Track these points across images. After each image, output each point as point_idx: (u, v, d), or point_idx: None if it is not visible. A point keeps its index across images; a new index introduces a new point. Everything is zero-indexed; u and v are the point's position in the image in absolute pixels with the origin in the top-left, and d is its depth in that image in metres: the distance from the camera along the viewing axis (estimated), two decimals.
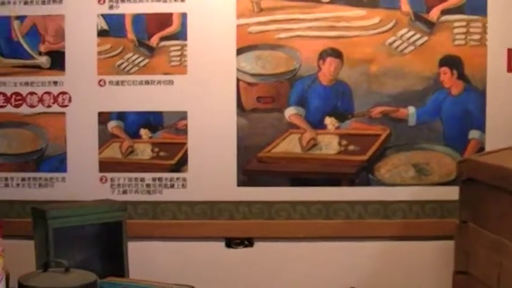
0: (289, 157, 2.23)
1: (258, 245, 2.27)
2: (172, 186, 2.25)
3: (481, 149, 2.19)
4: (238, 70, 2.22)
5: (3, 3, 2.29)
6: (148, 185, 2.26)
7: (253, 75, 2.22)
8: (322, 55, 2.20)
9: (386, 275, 2.24)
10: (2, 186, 2.29)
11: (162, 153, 2.25)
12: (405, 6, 2.19)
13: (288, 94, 2.21)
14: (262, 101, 2.22)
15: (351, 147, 2.21)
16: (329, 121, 2.21)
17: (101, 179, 2.26)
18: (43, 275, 1.75)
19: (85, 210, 2.04)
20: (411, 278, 2.22)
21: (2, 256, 1.79)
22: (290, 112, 2.21)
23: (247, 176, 2.23)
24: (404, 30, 2.19)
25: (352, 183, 2.23)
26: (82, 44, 2.27)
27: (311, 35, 2.21)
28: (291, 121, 2.21)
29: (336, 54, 2.20)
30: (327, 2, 2.21)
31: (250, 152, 2.23)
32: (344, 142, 2.21)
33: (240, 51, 2.22)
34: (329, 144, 2.22)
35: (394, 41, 2.19)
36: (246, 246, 2.26)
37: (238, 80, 2.22)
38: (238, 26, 2.21)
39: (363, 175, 2.22)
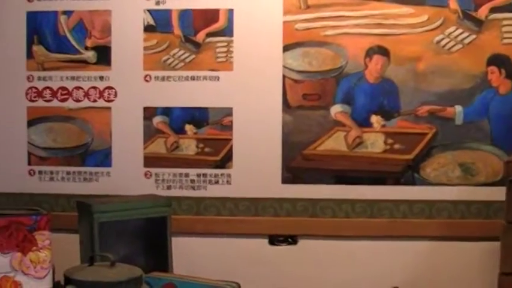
0: (334, 155, 2.22)
1: (301, 242, 2.27)
2: (216, 182, 2.25)
3: None
4: (284, 67, 2.21)
5: None
6: (192, 181, 2.26)
7: (299, 72, 2.21)
8: (369, 53, 2.19)
9: (430, 276, 2.23)
10: (47, 180, 2.31)
11: (207, 149, 2.25)
12: (453, 4, 2.18)
13: (334, 91, 2.20)
14: (308, 98, 2.21)
15: (397, 146, 2.20)
16: (375, 119, 2.20)
17: (146, 174, 2.27)
18: (89, 269, 1.75)
19: (130, 205, 2.05)
20: (455, 279, 2.20)
21: (50, 249, 1.79)
22: (336, 110, 2.21)
23: (292, 173, 2.23)
24: (452, 29, 2.17)
25: (397, 182, 2.22)
26: (128, 39, 2.28)
27: (358, 32, 2.20)
28: (337, 119, 2.21)
29: (383, 51, 2.19)
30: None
31: (295, 149, 2.22)
32: (390, 140, 2.20)
33: (286, 48, 2.22)
34: (375, 143, 2.21)
35: (442, 39, 2.18)
36: (289, 243, 2.26)
37: (284, 77, 2.22)
38: (285, 22, 2.21)
39: (408, 174, 2.21)
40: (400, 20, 2.19)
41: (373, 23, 2.20)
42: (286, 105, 2.22)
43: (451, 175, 2.21)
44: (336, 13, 2.21)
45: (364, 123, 2.21)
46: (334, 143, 2.22)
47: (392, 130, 2.21)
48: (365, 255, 2.24)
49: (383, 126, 2.20)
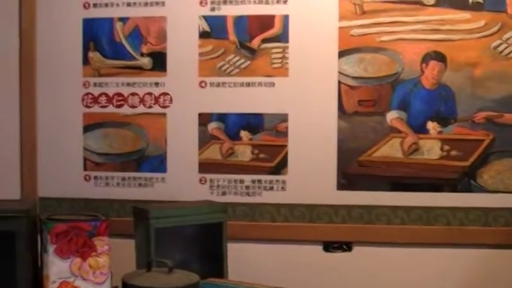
0: (390, 161, 2.21)
1: (356, 249, 2.26)
2: (271, 188, 2.25)
3: None
4: (339, 73, 2.21)
5: (106, 5, 2.32)
6: (247, 187, 2.26)
7: (355, 78, 2.21)
8: (425, 58, 2.18)
9: (486, 284, 2.22)
10: (102, 185, 2.32)
11: (262, 155, 2.25)
12: (511, 9, 2.14)
13: (390, 98, 2.19)
14: (363, 104, 2.21)
15: (453, 153, 2.18)
16: (431, 125, 2.19)
17: (200, 180, 2.28)
18: (147, 275, 1.77)
19: (186, 211, 2.06)
20: None
21: (108, 255, 1.81)
22: (392, 116, 2.20)
23: (347, 179, 2.22)
24: (510, 34, 2.16)
25: (453, 189, 2.20)
26: (184, 45, 2.29)
27: (414, 38, 2.19)
28: (393, 125, 2.20)
29: (440, 57, 2.18)
30: (431, 5, 2.18)
31: (351, 155, 2.22)
32: (446, 147, 2.19)
33: (341, 53, 2.21)
34: (431, 149, 2.19)
35: (500, 45, 2.16)
36: (344, 250, 2.25)
37: (339, 83, 2.22)
38: (341, 28, 2.21)
39: (465, 181, 2.19)
40: (457, 26, 2.18)
41: (429, 29, 2.19)
42: (341, 111, 2.21)
43: (508, 182, 2.19)
44: (392, 19, 2.20)
45: (420, 129, 2.20)
46: (390, 149, 2.21)
47: (448, 137, 2.19)
48: (420, 262, 2.23)
49: (439, 132, 2.19)
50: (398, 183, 2.22)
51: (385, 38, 2.20)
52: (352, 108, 2.22)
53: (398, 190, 2.22)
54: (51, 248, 1.82)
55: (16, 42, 2.39)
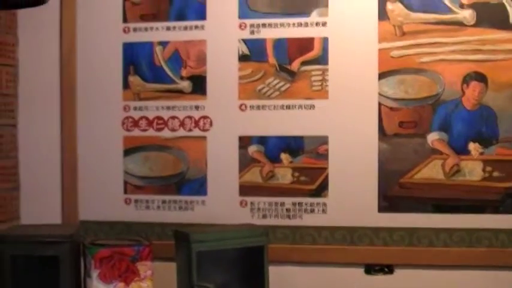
0: (431, 183, 2.20)
1: (398, 272, 2.26)
2: (312, 211, 2.25)
3: None
4: (380, 95, 2.21)
5: (146, 30, 2.34)
6: (288, 210, 2.27)
7: (395, 99, 2.21)
8: (466, 79, 2.18)
9: None
10: (143, 208, 2.34)
11: (302, 178, 2.26)
12: None
13: (430, 119, 2.19)
14: (404, 126, 2.21)
15: (496, 174, 2.18)
16: (473, 147, 2.18)
17: (241, 203, 2.29)
18: None
19: (227, 234, 2.06)
20: None
21: (151, 279, 1.83)
22: (433, 137, 2.19)
23: (389, 201, 2.22)
24: None
25: (496, 210, 2.19)
26: (223, 68, 2.30)
27: (455, 58, 2.19)
28: (434, 146, 2.20)
29: (480, 78, 2.17)
30: (471, 25, 2.18)
31: (392, 177, 2.21)
32: (488, 168, 2.18)
33: (382, 75, 2.22)
34: (473, 171, 2.19)
35: None
36: (385, 273, 2.25)
37: (380, 105, 2.22)
38: (380, 50, 2.21)
39: (508, 202, 2.18)
40: (497, 46, 2.17)
41: (470, 49, 2.18)
42: (382, 133, 2.21)
43: None
44: (432, 39, 2.20)
45: (461, 150, 2.19)
46: (431, 171, 2.21)
47: (490, 158, 2.18)
48: (463, 285, 2.23)
49: (481, 153, 2.18)
50: (440, 205, 2.22)
51: (425, 59, 2.20)
52: (392, 130, 2.22)
53: (440, 212, 2.22)
54: (94, 273, 1.84)
55: (57, 66, 2.43)
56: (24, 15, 2.35)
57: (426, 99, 2.22)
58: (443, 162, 2.22)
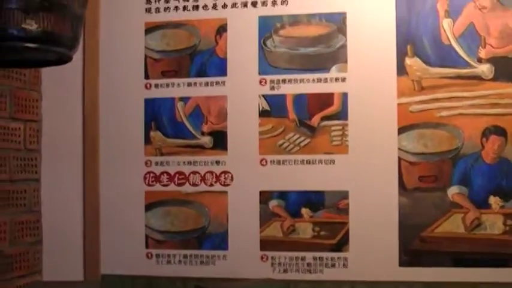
0: (452, 237, 2.22)
1: None
2: (333, 265, 2.28)
3: None
4: (399, 149, 2.24)
5: (167, 86, 2.39)
6: (309, 264, 2.30)
7: (415, 154, 2.24)
8: (485, 133, 2.21)
9: None
10: (164, 263, 2.38)
11: (323, 233, 2.28)
12: None
13: (450, 173, 2.22)
14: (424, 180, 2.23)
15: None
16: (493, 200, 2.20)
17: (262, 258, 2.31)
18: None
19: None
20: None
21: None
22: (453, 191, 2.22)
23: (409, 255, 2.24)
24: None
25: None
26: (244, 124, 2.35)
27: (473, 112, 2.22)
28: (454, 200, 2.22)
29: (500, 131, 2.20)
30: (489, 79, 2.22)
31: (413, 231, 2.24)
32: (509, 222, 2.20)
33: (401, 130, 2.25)
34: (494, 224, 2.21)
35: None
36: None
37: (399, 159, 2.25)
38: (399, 105, 2.25)
39: None
40: None
41: (488, 103, 2.22)
42: (402, 187, 2.24)
43: None
44: (451, 94, 2.23)
45: (482, 204, 2.21)
46: (452, 225, 2.23)
47: (511, 211, 2.19)
48: None
49: (502, 207, 2.20)
50: (461, 259, 2.23)
51: (444, 113, 2.23)
52: (412, 184, 2.24)
53: (461, 266, 2.23)
54: None
55: (80, 122, 2.48)
56: (47, 71, 2.41)
57: (446, 153, 2.24)
58: (463, 216, 2.23)
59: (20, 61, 2.05)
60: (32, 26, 1.78)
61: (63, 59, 1.95)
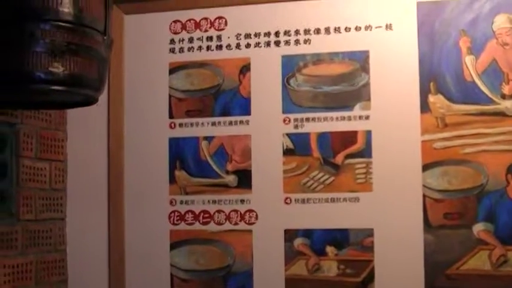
0: (478, 274, 2.22)
1: None
2: None
3: None
4: (424, 186, 2.26)
5: (191, 125, 2.43)
6: None
7: (439, 191, 2.26)
8: (510, 169, 2.22)
9: None
10: None
11: (348, 271, 2.30)
12: None
13: (475, 210, 2.23)
14: (449, 217, 2.25)
15: None
16: None
17: None
18: None
19: None
20: None
21: None
22: (479, 228, 2.23)
23: None
24: None
25: None
26: (268, 162, 2.38)
27: (498, 149, 2.24)
28: (480, 237, 2.23)
29: None
30: None
31: (438, 268, 2.24)
32: None
33: (425, 167, 2.27)
34: None
35: None
36: None
37: (424, 196, 2.26)
38: (423, 142, 2.27)
39: None
40: None
41: None
42: (427, 224, 2.25)
43: None
44: (474, 131, 2.25)
45: (508, 241, 2.23)
46: (478, 262, 2.24)
47: None
48: None
49: None
50: None
51: (468, 150, 2.25)
52: (437, 222, 2.26)
53: None
54: None
55: (105, 161, 2.52)
56: (73, 111, 2.45)
57: (470, 190, 2.25)
58: (489, 252, 2.24)
59: (47, 103, 2.09)
60: (58, 68, 1.82)
61: (89, 101, 1.99)
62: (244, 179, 2.42)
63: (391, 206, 2.31)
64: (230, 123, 2.43)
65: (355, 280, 2.32)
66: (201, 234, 2.44)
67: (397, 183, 2.30)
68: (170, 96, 2.50)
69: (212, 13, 2.49)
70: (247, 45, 2.45)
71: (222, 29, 2.48)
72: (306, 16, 2.43)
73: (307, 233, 2.36)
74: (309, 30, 2.42)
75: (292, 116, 2.40)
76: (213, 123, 2.45)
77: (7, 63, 1.80)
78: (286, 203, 2.37)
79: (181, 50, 2.50)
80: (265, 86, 2.43)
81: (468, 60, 2.30)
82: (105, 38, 1.94)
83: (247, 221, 2.40)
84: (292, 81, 2.40)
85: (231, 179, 2.42)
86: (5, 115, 2.20)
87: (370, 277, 2.31)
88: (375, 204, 2.32)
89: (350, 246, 2.33)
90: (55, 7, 1.83)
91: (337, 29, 2.39)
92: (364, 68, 2.36)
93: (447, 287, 2.28)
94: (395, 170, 2.31)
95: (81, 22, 1.88)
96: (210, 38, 2.49)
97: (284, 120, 2.39)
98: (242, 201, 2.40)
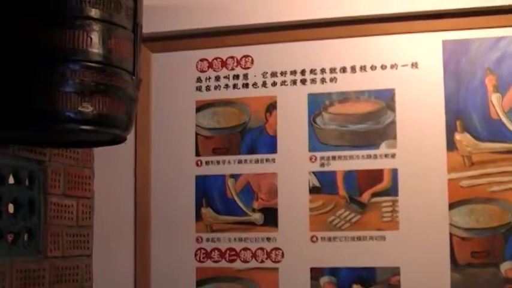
0: None
1: None
2: None
3: None
4: (451, 225, 2.27)
5: (218, 163, 2.46)
6: None
7: (466, 229, 2.27)
8: None
9: None
10: None
11: None
12: None
13: (503, 248, 2.25)
14: (476, 256, 2.25)
15: None
16: None
17: None
18: None
19: None
20: None
21: None
22: (506, 266, 2.24)
23: None
24: None
25: None
26: (294, 200, 2.41)
27: None
28: (507, 276, 2.23)
29: None
30: None
31: None
32: None
33: (452, 205, 2.28)
34: None
35: None
36: None
37: (451, 235, 2.27)
38: (450, 180, 2.28)
39: None
40: None
41: None
42: (454, 263, 2.26)
43: None
44: (501, 169, 2.27)
45: None
46: None
47: None
48: None
49: None
50: None
51: (495, 188, 2.27)
52: (465, 260, 2.27)
53: None
54: None
55: (131, 199, 2.56)
56: (100, 149, 2.48)
57: (497, 228, 2.27)
58: None
59: (75, 141, 2.13)
60: (88, 108, 1.86)
61: (118, 140, 2.03)
62: (270, 216, 2.44)
63: (417, 245, 2.32)
64: (256, 161, 2.46)
65: None
66: (227, 272, 2.46)
67: (424, 222, 2.32)
68: (197, 134, 2.54)
69: (238, 51, 2.52)
70: (274, 84, 2.48)
71: (249, 68, 2.51)
72: (332, 54, 2.46)
73: (334, 272, 2.37)
74: (334, 69, 2.43)
75: (318, 154, 2.42)
76: (240, 161, 2.47)
77: (38, 102, 1.85)
78: (313, 241, 2.39)
79: (207, 88, 2.54)
80: (291, 124, 2.46)
81: (494, 98, 2.32)
82: (133, 77, 1.98)
83: (273, 259, 2.42)
84: (319, 119, 2.42)
85: (257, 216, 2.44)
86: (33, 153, 2.24)
87: None
88: (401, 242, 2.33)
89: (376, 285, 2.34)
90: (85, 47, 1.87)
91: (363, 68, 2.41)
92: (390, 106, 2.38)
93: None
94: (422, 208, 2.33)
95: (110, 62, 1.92)
96: (236, 76, 2.52)
97: (310, 159, 2.41)
98: (268, 239, 2.42)
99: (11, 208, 2.18)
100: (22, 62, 1.83)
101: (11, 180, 2.18)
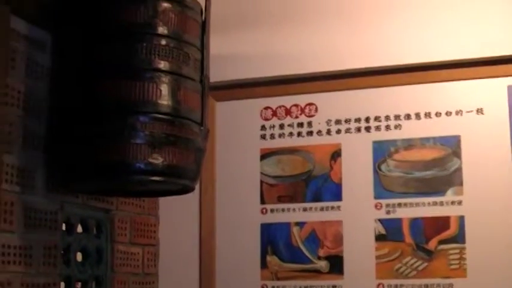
0: None
1: None
2: None
3: None
4: None
5: (283, 211, 2.49)
6: None
7: None
8: None
9: None
10: None
11: None
12: None
13: None
14: None
15: None
16: None
17: None
18: None
19: None
20: None
21: None
22: None
23: None
24: None
25: None
26: (360, 248, 2.43)
27: None
28: None
29: None
30: None
31: None
32: None
33: None
34: None
35: None
36: None
37: None
38: None
39: None
40: None
41: None
42: None
43: None
44: None
45: None
46: None
47: None
48: None
49: None
50: None
51: None
52: None
53: None
54: None
55: (196, 246, 2.62)
56: (165, 197, 2.53)
57: None
58: None
59: (144, 191, 2.19)
60: (158, 160, 1.92)
61: (186, 190, 2.08)
62: (336, 264, 2.47)
63: None
64: (322, 208, 2.50)
65: None
66: None
67: (492, 269, 2.33)
68: (262, 182, 2.58)
69: (302, 100, 2.57)
70: (338, 131, 2.52)
71: (313, 115, 2.56)
72: (396, 101, 2.49)
73: None
74: (399, 116, 2.47)
75: (384, 202, 2.45)
76: (305, 209, 2.51)
77: (109, 154, 1.91)
78: None
79: (272, 136, 2.59)
80: (356, 171, 2.49)
81: None
82: (201, 128, 2.03)
83: None
84: (384, 166, 2.45)
85: (323, 264, 2.47)
86: (101, 202, 2.30)
87: None
88: None
89: None
90: (154, 100, 1.93)
91: (427, 114, 2.44)
92: (456, 152, 2.41)
93: None
94: (490, 255, 2.33)
95: (179, 114, 1.98)
96: (300, 124, 2.56)
97: (376, 206, 2.44)
98: (334, 287, 2.46)
99: (79, 256, 2.23)
100: (93, 114, 1.89)
101: (79, 229, 2.23)
